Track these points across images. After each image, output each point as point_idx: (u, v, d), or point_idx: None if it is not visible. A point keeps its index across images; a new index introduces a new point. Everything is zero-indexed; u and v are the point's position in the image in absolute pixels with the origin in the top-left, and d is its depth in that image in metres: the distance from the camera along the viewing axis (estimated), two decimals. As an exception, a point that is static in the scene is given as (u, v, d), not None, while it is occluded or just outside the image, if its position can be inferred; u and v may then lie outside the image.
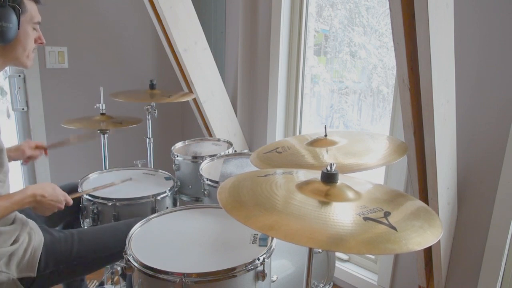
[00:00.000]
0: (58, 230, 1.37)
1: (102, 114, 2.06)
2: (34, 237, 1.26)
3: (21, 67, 1.25)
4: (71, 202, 1.34)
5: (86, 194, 1.59)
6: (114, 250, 1.33)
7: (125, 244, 1.12)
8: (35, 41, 1.24)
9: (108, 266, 1.93)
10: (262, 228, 0.78)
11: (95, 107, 2.07)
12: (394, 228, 0.78)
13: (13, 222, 1.22)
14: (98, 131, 2.07)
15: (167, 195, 1.68)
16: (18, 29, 1.14)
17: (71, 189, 1.64)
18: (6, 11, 1.10)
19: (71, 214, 1.66)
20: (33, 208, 1.25)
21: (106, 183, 1.66)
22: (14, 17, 1.12)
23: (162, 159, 2.67)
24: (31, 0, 1.19)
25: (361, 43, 2.27)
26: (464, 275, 1.75)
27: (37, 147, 1.61)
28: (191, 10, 2.27)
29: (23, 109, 2.51)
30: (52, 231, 1.33)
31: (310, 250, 1.00)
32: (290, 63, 2.46)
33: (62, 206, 1.30)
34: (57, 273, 1.27)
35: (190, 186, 1.93)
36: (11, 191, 1.22)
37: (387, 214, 0.84)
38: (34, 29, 1.22)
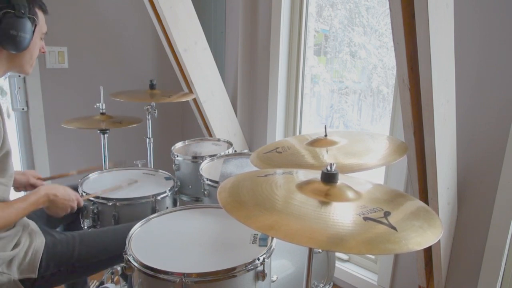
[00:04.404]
0: (60, 232, 1.37)
1: (102, 113, 2.06)
2: (35, 238, 1.26)
3: (23, 73, 1.29)
4: (82, 203, 1.41)
5: (87, 194, 1.59)
6: (115, 253, 1.33)
7: (125, 246, 1.12)
8: (39, 50, 1.28)
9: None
10: (262, 228, 0.78)
11: (95, 106, 2.07)
12: (394, 228, 0.78)
13: (14, 226, 1.22)
14: (98, 131, 2.08)
15: (167, 195, 1.68)
16: (32, 39, 1.19)
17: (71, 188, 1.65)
18: (25, 21, 1.15)
19: (71, 215, 1.66)
20: (47, 209, 1.30)
21: (112, 184, 1.68)
22: (30, 28, 1.17)
23: (162, 159, 2.67)
24: (40, 11, 1.23)
25: (361, 43, 2.27)
26: (464, 275, 1.75)
27: (39, 179, 1.61)
28: (191, 10, 2.27)
29: (23, 109, 2.51)
30: (54, 233, 1.33)
31: (310, 250, 1.00)
32: (290, 63, 2.46)
33: (75, 206, 1.36)
34: (58, 274, 1.27)
35: (190, 186, 1.93)
36: (11, 194, 1.23)
37: (387, 214, 0.84)
38: (41, 38, 1.27)
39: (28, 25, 1.16)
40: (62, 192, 1.31)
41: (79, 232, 1.38)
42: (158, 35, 2.44)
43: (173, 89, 2.59)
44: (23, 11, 1.13)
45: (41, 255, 1.24)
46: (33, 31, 1.18)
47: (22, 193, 1.39)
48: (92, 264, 1.34)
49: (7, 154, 1.17)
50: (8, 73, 2.38)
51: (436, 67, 1.25)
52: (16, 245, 1.20)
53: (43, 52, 1.29)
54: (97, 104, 2.06)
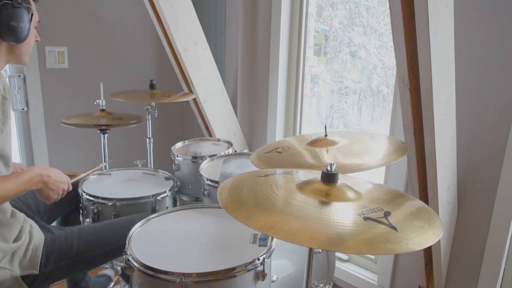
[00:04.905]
0: (58, 227, 1.37)
1: (102, 110, 2.06)
2: (35, 235, 1.26)
3: (21, 64, 1.27)
4: (71, 187, 1.35)
5: (87, 194, 1.60)
6: (114, 246, 1.34)
7: (125, 240, 1.12)
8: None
9: (108, 265, 1.93)
10: (262, 228, 0.78)
11: (95, 103, 2.08)
12: (394, 228, 0.78)
13: (11, 216, 1.22)
14: (98, 131, 2.08)
15: (167, 195, 1.68)
16: (30, 29, 1.18)
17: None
18: (23, 12, 1.14)
19: (67, 209, 1.66)
20: (38, 191, 1.24)
21: (111, 184, 1.69)
22: (27, 18, 1.16)
23: (162, 159, 2.68)
24: (32, 0, 1.23)
25: (361, 43, 2.27)
26: (464, 275, 1.75)
27: None
28: (191, 10, 2.27)
29: (23, 109, 2.51)
30: (52, 229, 1.34)
31: (310, 250, 1.00)
32: (290, 63, 2.46)
33: (66, 188, 1.31)
34: (58, 269, 1.28)
35: (190, 186, 1.93)
36: None
37: (387, 214, 0.84)
38: (35, 27, 1.26)
39: (26, 15, 1.15)
40: (55, 173, 1.26)
41: (77, 227, 1.39)
42: (158, 35, 2.44)
43: (173, 89, 2.59)
44: (19, 1, 1.13)
45: (41, 251, 1.24)
46: (30, 21, 1.18)
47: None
48: (92, 258, 1.34)
49: (5, 158, 1.16)
50: (8, 73, 2.39)
51: (436, 67, 1.25)
52: (17, 239, 1.20)
53: (37, 41, 1.29)
54: (97, 101, 2.06)
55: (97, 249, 1.34)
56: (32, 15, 1.19)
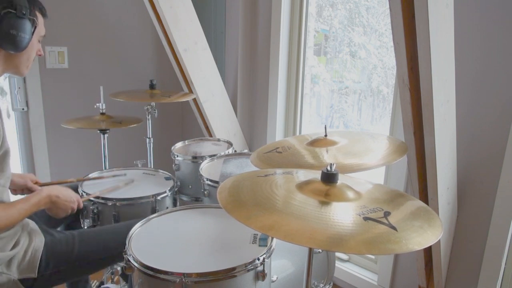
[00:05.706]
0: (59, 231, 1.37)
1: (102, 113, 2.06)
2: (35, 238, 1.26)
3: (18, 75, 1.31)
4: (82, 205, 1.42)
5: (87, 194, 1.59)
6: (115, 251, 1.33)
7: (125, 245, 1.12)
8: (36, 52, 1.29)
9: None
10: (262, 228, 0.78)
11: (95, 106, 2.08)
12: (394, 228, 0.78)
13: (13, 226, 1.22)
14: (98, 131, 2.08)
15: (167, 195, 1.68)
16: (30, 40, 1.19)
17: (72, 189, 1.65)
18: (25, 22, 1.16)
19: (72, 216, 1.66)
20: (48, 210, 1.31)
21: (109, 185, 1.68)
22: (29, 29, 1.18)
23: (162, 159, 2.67)
24: (40, 14, 1.24)
25: (361, 43, 2.27)
26: (464, 275, 1.75)
27: (37, 183, 1.60)
28: (191, 10, 2.27)
29: (23, 109, 2.51)
30: (53, 232, 1.34)
31: (310, 250, 1.00)
32: (290, 63, 2.46)
33: (75, 207, 1.37)
34: (58, 273, 1.27)
35: (190, 186, 1.93)
36: (11, 195, 1.23)
37: (387, 214, 0.84)
38: (39, 41, 1.28)
39: (28, 26, 1.16)
40: (64, 193, 1.32)
41: (78, 231, 1.39)
42: (158, 35, 2.44)
43: (173, 89, 2.59)
44: (24, 12, 1.14)
45: (40, 255, 1.24)
46: (33, 33, 1.19)
47: (19, 196, 1.38)
48: (92, 263, 1.34)
49: (6, 154, 1.17)
50: (7, 74, 2.39)
51: (436, 67, 1.25)
52: (15, 245, 1.20)
53: (40, 55, 1.30)
54: (97, 104, 2.06)
55: (97, 254, 1.34)
56: (35, 27, 1.20)
